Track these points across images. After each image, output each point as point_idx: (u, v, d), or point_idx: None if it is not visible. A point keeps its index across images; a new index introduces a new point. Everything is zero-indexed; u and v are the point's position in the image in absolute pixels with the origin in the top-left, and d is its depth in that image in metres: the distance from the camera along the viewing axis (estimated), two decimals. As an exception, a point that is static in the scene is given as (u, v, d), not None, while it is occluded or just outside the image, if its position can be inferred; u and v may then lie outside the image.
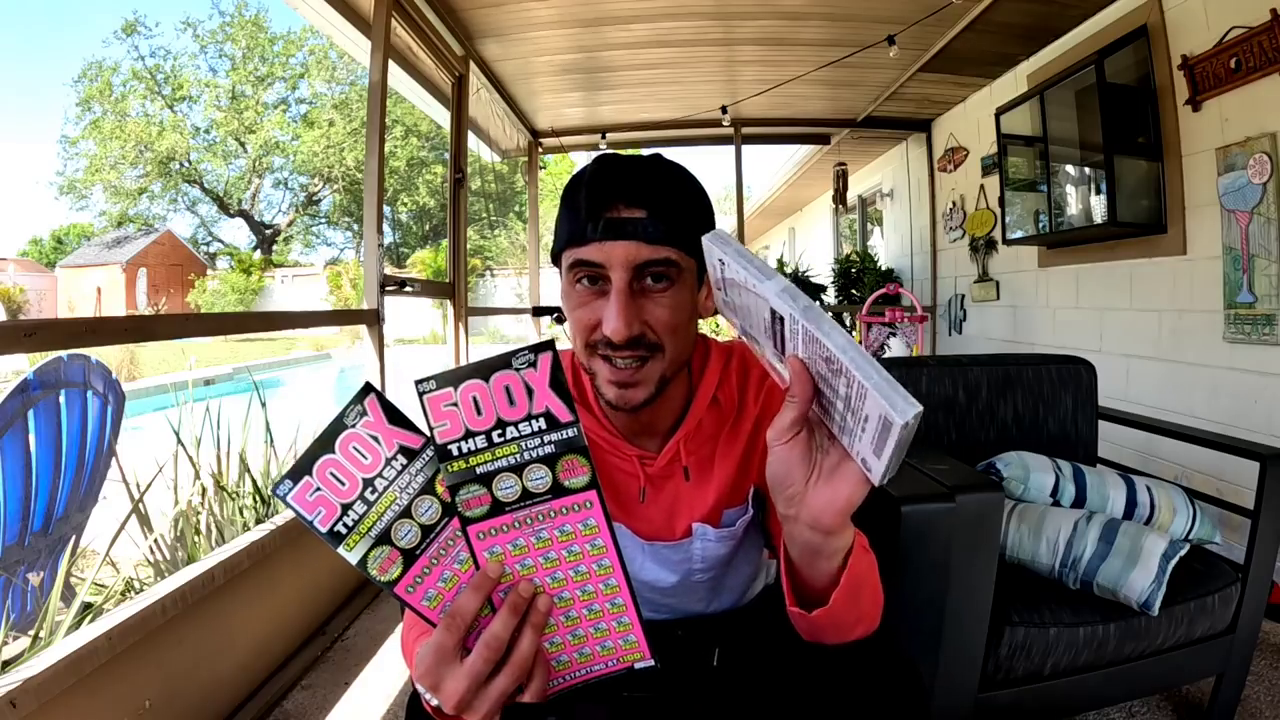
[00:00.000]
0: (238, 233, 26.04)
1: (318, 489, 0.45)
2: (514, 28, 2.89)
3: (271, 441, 2.09)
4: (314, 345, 14.17)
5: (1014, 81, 3.33)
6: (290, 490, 0.45)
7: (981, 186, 3.77)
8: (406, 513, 0.46)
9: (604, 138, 4.43)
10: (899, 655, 0.68)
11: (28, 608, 1.55)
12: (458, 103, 3.10)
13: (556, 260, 0.67)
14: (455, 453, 0.45)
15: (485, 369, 0.45)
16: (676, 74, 3.50)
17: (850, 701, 0.65)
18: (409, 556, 0.47)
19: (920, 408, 0.37)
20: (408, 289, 2.52)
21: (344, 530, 0.45)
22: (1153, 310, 2.51)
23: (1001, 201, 3.29)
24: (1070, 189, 2.85)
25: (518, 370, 0.45)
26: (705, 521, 0.73)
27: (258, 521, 1.83)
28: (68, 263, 21.51)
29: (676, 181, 0.65)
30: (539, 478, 0.46)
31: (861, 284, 4.93)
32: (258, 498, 1.94)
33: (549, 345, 0.45)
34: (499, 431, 0.45)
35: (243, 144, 22.74)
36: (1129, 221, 2.45)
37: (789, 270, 5.70)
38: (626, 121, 4.24)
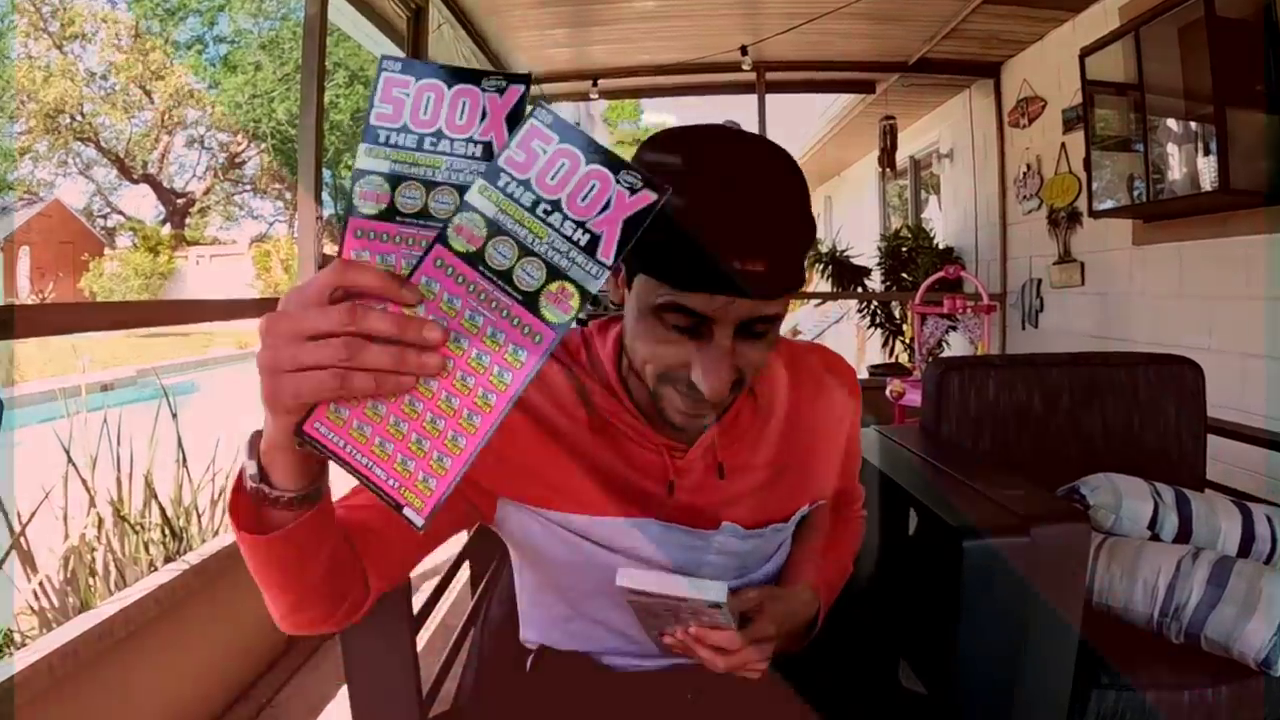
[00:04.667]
0: (142, 202, 26.02)
1: (408, 95, 0.51)
2: (484, -51, 2.90)
3: (184, 460, 2.09)
4: (237, 341, 14.18)
5: (1103, 15, 3.34)
6: (396, 67, 0.51)
7: (1062, 145, 3.78)
8: (435, 183, 0.51)
9: (595, 85, 4.45)
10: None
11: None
12: (414, 42, 3.11)
13: (629, 269, 0.67)
14: (382, 139, 0.51)
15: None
16: (686, 6, 3.51)
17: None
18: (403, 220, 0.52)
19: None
20: (353, 272, 2.52)
21: (383, 142, 0.51)
22: (1275, 299, 2.52)
23: (1087, 164, 3.29)
24: (1173, 148, 2.85)
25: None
26: (736, 522, 0.80)
27: (167, 560, 1.83)
28: (-68, 240, 21.57)
29: (800, 212, 0.65)
30: (532, 274, 0.49)
31: (914, 266, 4.94)
32: (167, 530, 1.94)
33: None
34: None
35: (148, 93, 22.76)
36: (1245, 189, 2.45)
37: (824, 249, 5.71)
38: (624, 65, 4.25)
